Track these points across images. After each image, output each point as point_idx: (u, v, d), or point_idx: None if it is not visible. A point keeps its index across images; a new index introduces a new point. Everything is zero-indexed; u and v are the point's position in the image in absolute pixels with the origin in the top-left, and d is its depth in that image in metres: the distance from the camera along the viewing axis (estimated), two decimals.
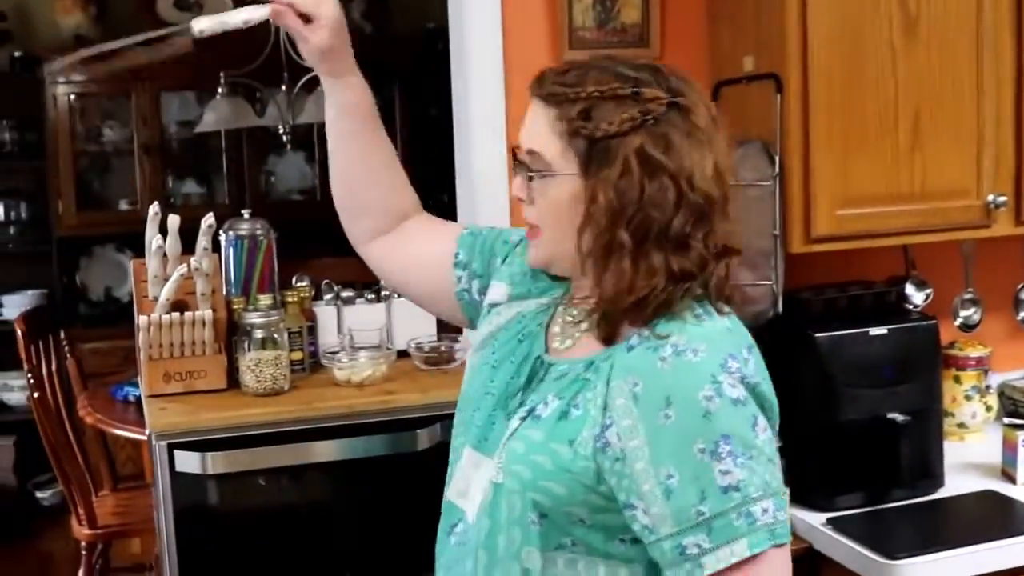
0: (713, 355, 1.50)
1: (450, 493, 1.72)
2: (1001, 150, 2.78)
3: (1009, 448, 2.75)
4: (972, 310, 3.22)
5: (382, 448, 2.32)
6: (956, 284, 3.19)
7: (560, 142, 1.56)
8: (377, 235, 1.92)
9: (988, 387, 3.10)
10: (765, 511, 1.48)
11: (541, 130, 1.58)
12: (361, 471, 2.36)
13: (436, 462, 2.32)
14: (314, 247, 4.83)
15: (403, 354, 2.61)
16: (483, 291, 1.86)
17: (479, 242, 1.90)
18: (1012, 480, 2.73)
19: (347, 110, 1.87)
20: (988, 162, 2.76)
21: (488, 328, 1.80)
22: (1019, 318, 3.31)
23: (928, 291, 3.09)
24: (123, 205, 6.07)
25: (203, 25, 1.76)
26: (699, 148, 1.56)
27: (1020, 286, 3.31)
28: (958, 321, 3.20)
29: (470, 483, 1.67)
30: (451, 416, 2.32)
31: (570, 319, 1.68)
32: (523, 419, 1.60)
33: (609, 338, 1.56)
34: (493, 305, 1.81)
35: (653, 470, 1.48)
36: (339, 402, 2.35)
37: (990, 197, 2.76)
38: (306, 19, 1.78)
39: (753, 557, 1.47)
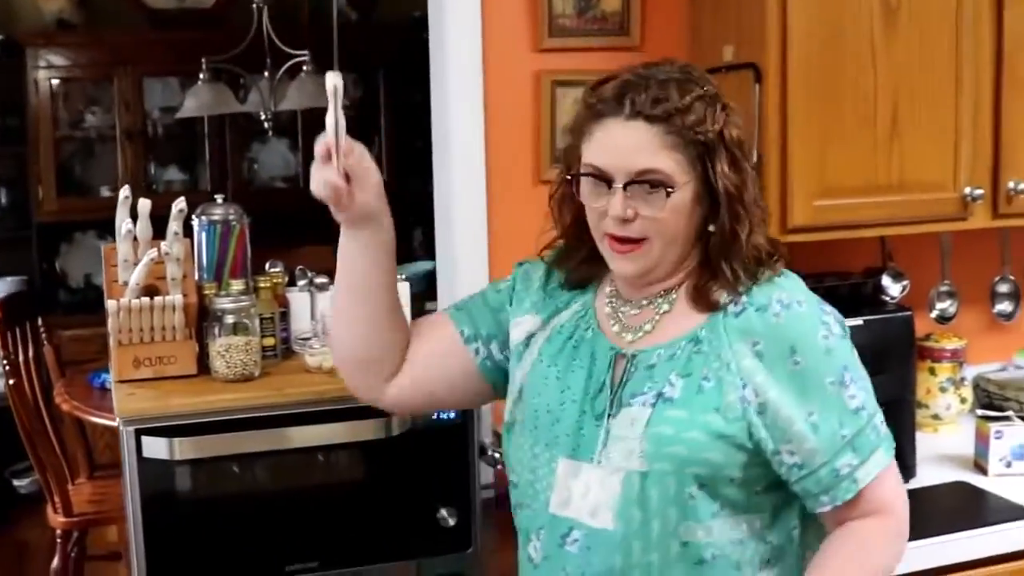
0: (812, 303, 1.74)
1: (552, 507, 1.77)
2: (979, 143, 2.78)
3: (981, 440, 2.75)
4: (948, 302, 3.23)
5: (353, 434, 2.30)
6: (933, 276, 3.20)
7: (675, 153, 1.68)
8: (391, 377, 1.89)
9: (963, 379, 3.10)
10: (881, 423, 1.75)
11: (648, 147, 1.67)
12: (331, 457, 2.35)
13: (407, 448, 2.33)
14: (297, 235, 4.83)
15: None
16: (504, 347, 1.91)
17: (472, 310, 1.95)
18: (984, 471, 2.73)
19: (380, 248, 1.80)
20: (966, 155, 2.76)
21: (530, 358, 1.86)
22: (995, 311, 3.32)
23: (905, 283, 3.09)
24: (105, 191, 6.04)
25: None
26: (740, 124, 1.75)
27: (996, 279, 3.31)
28: (934, 313, 3.21)
29: (572, 491, 1.74)
30: None
31: (635, 312, 1.79)
32: (653, 405, 1.69)
33: (715, 307, 1.71)
34: (529, 336, 1.87)
35: (797, 412, 1.67)
36: (310, 388, 2.33)
37: (967, 190, 2.76)
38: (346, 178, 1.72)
39: (888, 464, 1.74)
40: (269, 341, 2.50)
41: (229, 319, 2.39)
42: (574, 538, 1.74)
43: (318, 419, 2.30)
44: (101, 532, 4.50)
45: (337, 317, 1.88)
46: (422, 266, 4.42)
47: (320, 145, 1.68)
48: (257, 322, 2.44)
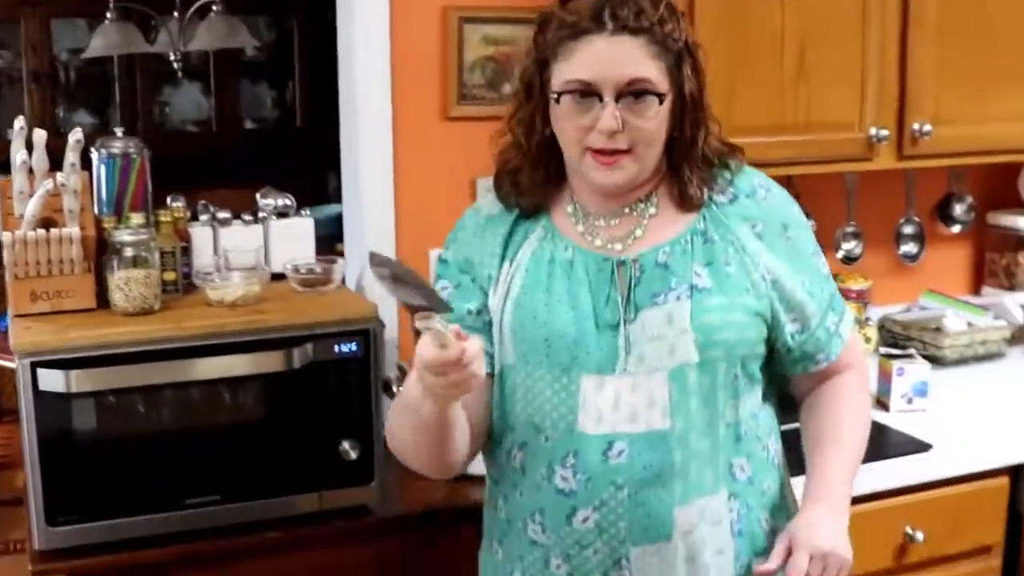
0: (778, 185, 1.92)
1: (582, 427, 1.78)
2: (884, 84, 2.81)
3: (884, 377, 2.80)
4: (854, 243, 3.26)
5: (254, 366, 2.27)
6: (839, 217, 3.23)
7: (659, 62, 1.74)
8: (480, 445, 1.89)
9: (868, 319, 3.14)
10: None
11: (636, 58, 1.73)
12: (232, 390, 2.32)
13: (309, 381, 2.31)
14: (207, 178, 4.76)
15: (280, 277, 2.56)
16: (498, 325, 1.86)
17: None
18: (886, 408, 2.77)
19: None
20: (871, 96, 2.80)
21: (513, 295, 1.84)
22: (900, 252, 3.36)
23: (811, 223, 3.10)
24: (11, 135, 5.90)
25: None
26: None
27: (901, 220, 3.35)
28: (840, 253, 3.24)
29: (600, 407, 1.78)
30: (324, 336, 2.31)
31: (615, 222, 1.84)
32: (689, 298, 1.77)
33: (700, 205, 1.83)
34: (508, 282, 1.85)
35: (795, 282, 1.84)
36: (210, 321, 2.30)
37: (872, 130, 2.79)
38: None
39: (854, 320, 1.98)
40: (170, 276, 2.46)
41: (128, 252, 2.35)
42: (618, 449, 1.77)
43: (219, 351, 2.27)
44: (7, 476, 4.45)
45: (427, 449, 1.79)
46: (333, 209, 4.38)
47: (444, 358, 1.55)
48: (157, 256, 2.40)
